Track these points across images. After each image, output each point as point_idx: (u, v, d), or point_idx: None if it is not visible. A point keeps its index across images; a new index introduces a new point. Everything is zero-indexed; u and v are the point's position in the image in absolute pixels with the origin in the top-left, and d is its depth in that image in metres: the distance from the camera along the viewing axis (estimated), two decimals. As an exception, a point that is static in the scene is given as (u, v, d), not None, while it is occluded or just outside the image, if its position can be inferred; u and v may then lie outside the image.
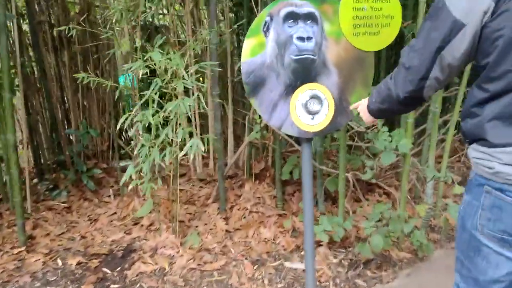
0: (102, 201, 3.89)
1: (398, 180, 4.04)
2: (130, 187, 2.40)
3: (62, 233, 3.30)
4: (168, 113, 2.26)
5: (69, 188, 4.11)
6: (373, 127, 3.03)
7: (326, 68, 2.10)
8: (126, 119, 2.28)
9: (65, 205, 3.85)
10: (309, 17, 2.05)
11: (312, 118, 2.12)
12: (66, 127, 4.45)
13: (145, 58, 2.21)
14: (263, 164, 3.73)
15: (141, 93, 2.31)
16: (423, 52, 1.34)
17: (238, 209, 3.43)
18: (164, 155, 2.32)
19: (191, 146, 2.21)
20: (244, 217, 3.37)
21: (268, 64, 2.04)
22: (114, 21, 2.47)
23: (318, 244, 2.96)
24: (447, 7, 1.25)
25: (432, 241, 3.22)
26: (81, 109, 4.45)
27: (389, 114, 1.68)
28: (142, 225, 3.38)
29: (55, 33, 4.07)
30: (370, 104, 1.69)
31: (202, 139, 2.40)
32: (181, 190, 4.10)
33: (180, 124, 2.35)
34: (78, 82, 2.59)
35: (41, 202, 3.92)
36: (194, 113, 3.07)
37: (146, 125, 2.39)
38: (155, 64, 2.19)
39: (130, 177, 2.32)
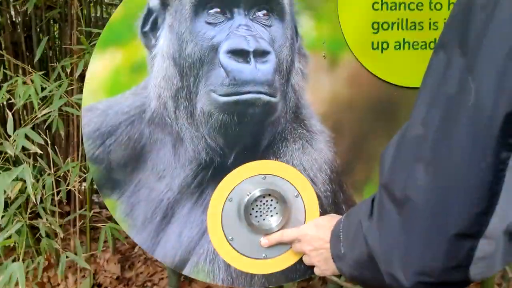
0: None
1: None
2: None
3: None
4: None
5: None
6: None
7: (302, 125, 0.93)
8: None
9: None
10: (263, 0, 0.87)
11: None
12: None
13: None
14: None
15: None
16: (450, 156, 0.52)
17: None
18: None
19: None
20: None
21: (154, 113, 0.89)
22: None
23: None
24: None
25: None
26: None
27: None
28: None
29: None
30: (336, 257, 0.79)
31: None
32: (145, 261, 3.01)
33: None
34: None
35: None
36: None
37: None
38: None
39: None
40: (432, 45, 0.89)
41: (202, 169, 0.90)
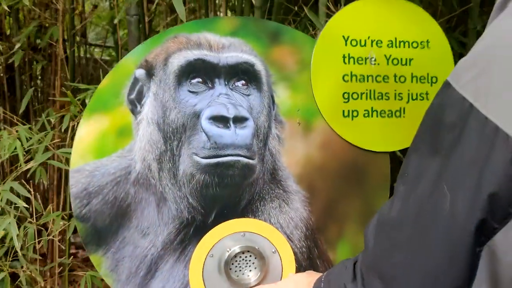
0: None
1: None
2: None
3: None
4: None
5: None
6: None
7: (278, 185, 1.01)
8: None
9: None
10: (241, 71, 0.97)
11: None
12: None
13: None
14: None
15: None
16: (428, 247, 0.57)
17: None
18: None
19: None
20: None
21: (139, 174, 0.95)
22: None
23: None
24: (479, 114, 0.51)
25: None
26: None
27: None
28: None
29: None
30: None
31: None
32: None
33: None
34: None
35: None
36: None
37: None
38: None
39: None
40: (398, 113, 0.98)
41: (185, 227, 0.97)
